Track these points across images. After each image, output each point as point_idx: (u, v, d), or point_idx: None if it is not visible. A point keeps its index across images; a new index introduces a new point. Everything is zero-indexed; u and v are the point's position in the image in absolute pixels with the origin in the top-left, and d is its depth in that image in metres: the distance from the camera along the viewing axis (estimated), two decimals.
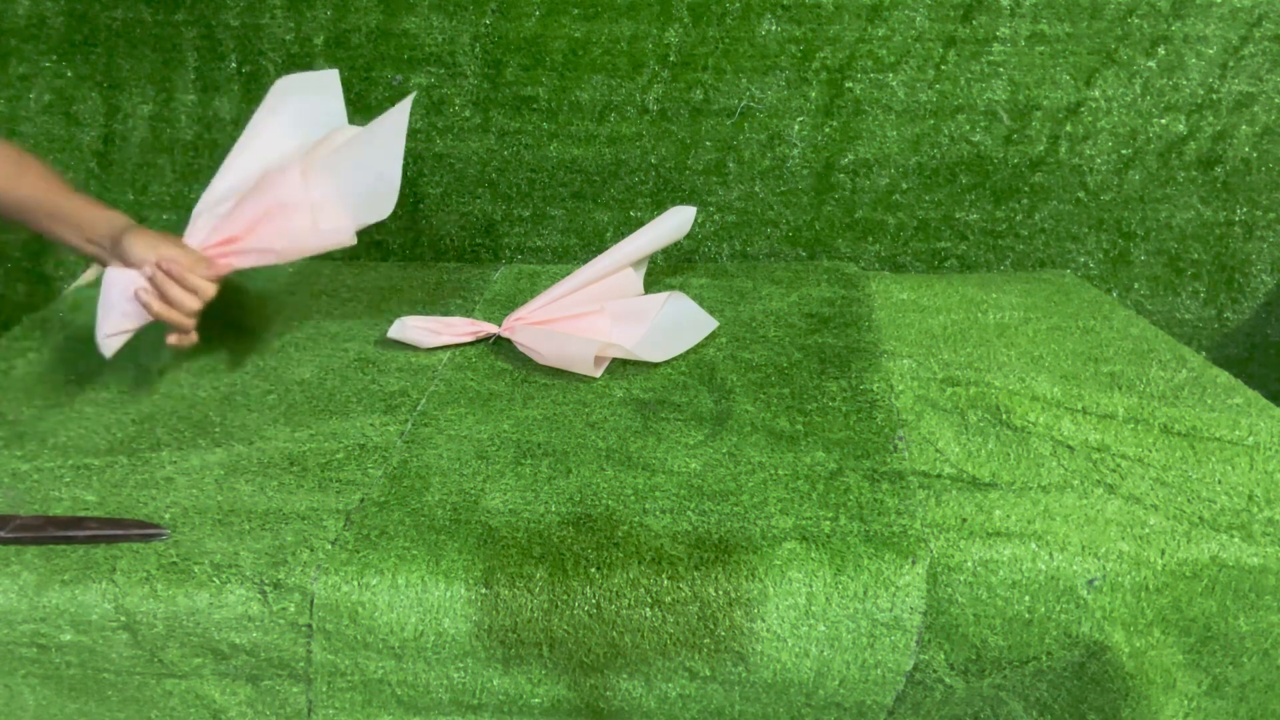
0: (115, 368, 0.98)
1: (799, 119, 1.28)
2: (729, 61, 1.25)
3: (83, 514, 0.75)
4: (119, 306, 0.86)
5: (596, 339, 0.97)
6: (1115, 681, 0.70)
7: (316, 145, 0.93)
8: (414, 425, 0.88)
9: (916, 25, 1.22)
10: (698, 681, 0.71)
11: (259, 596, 0.68)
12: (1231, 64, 1.22)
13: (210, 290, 0.86)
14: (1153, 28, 1.21)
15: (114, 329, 0.86)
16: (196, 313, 0.86)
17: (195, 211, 0.91)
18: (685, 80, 1.26)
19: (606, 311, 1.01)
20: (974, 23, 1.22)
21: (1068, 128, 1.27)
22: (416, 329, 1.02)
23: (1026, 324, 1.06)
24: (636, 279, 1.10)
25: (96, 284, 1.20)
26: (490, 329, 1.03)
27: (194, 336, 0.88)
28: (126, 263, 0.85)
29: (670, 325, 1.02)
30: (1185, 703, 0.72)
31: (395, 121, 0.91)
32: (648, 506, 0.75)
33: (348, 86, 1.25)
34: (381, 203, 0.89)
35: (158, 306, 0.84)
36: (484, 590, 0.68)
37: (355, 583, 0.69)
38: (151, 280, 0.84)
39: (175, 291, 0.84)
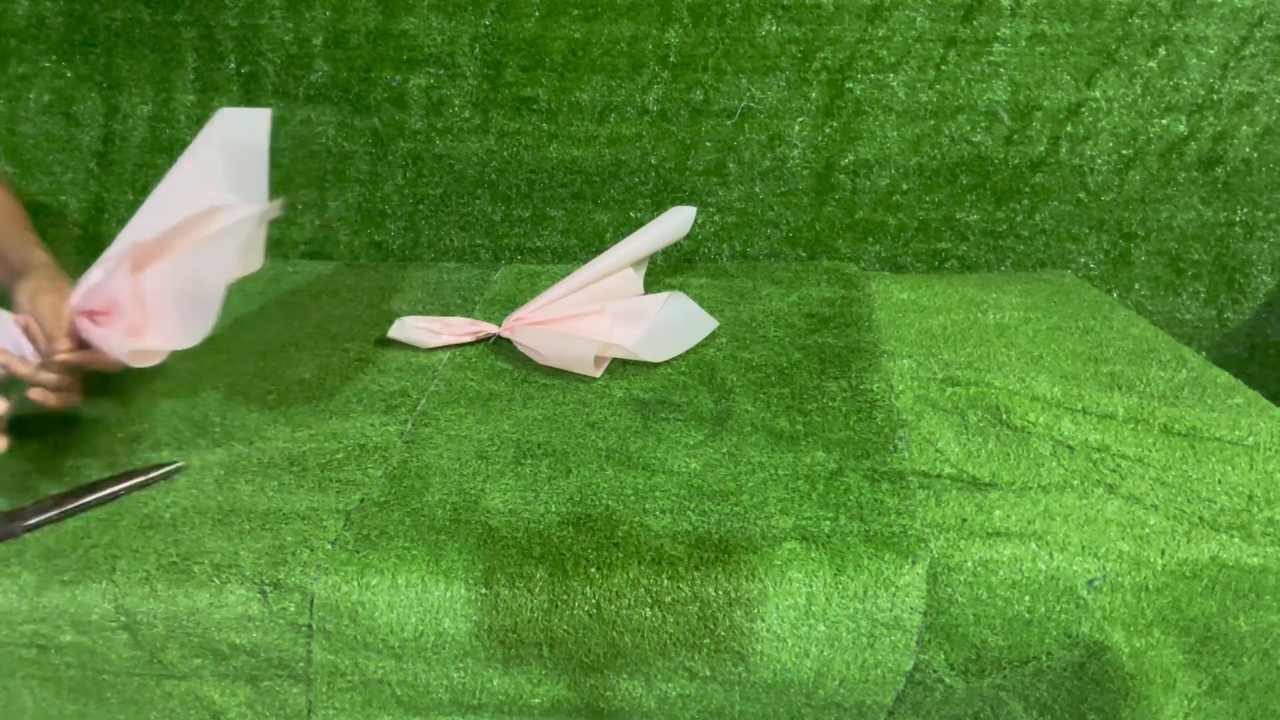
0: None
1: (799, 119, 1.27)
2: (729, 62, 1.25)
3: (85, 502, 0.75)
4: None
5: (596, 339, 0.97)
6: (1115, 681, 0.70)
7: (180, 225, 0.83)
8: (414, 425, 0.87)
9: (917, 25, 1.22)
10: (698, 681, 0.71)
11: (259, 596, 0.68)
12: (1232, 64, 1.22)
13: (61, 348, 0.77)
14: (1153, 28, 1.21)
15: None
16: (54, 379, 0.78)
17: (103, 255, 0.82)
18: (685, 80, 1.26)
19: (606, 311, 1.01)
20: (974, 23, 1.22)
21: (1068, 128, 1.27)
22: (416, 329, 1.02)
23: (1026, 324, 1.06)
24: (636, 279, 1.10)
25: None
26: (490, 329, 1.03)
27: (55, 399, 0.79)
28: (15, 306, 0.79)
29: (670, 325, 1.02)
30: (1185, 703, 0.72)
31: (239, 225, 0.79)
32: (648, 506, 0.75)
33: (345, 88, 1.26)
34: (196, 326, 0.77)
35: (11, 363, 0.77)
36: (484, 590, 0.68)
37: (355, 583, 0.69)
38: (25, 333, 0.78)
39: (37, 352, 0.78)
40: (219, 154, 0.87)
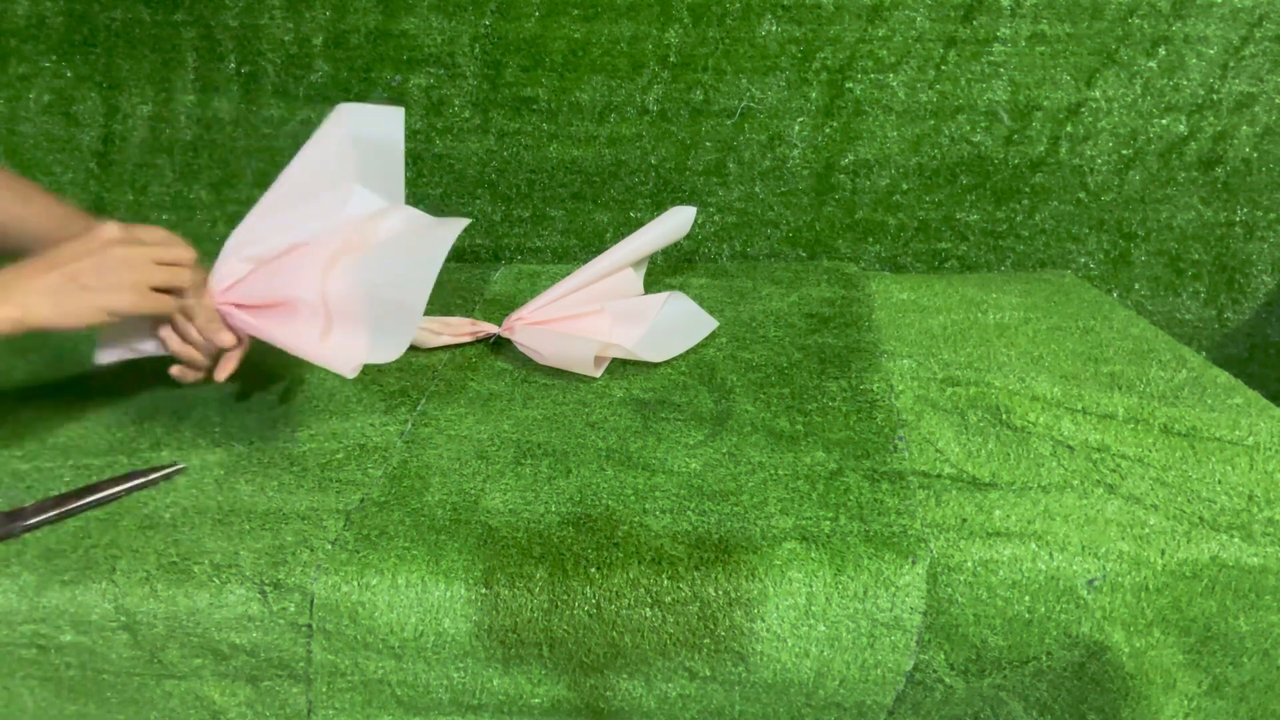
0: (115, 367, 0.98)
1: (799, 119, 1.27)
2: (729, 62, 1.25)
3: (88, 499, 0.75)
4: (128, 338, 0.85)
5: (596, 339, 0.97)
6: (1115, 681, 0.70)
7: (351, 229, 0.87)
8: (414, 425, 0.87)
9: (917, 25, 1.22)
10: (698, 681, 0.71)
11: (259, 596, 0.68)
12: (1232, 64, 1.22)
13: (229, 341, 0.83)
14: (1153, 28, 1.21)
15: (116, 356, 0.86)
16: (213, 355, 0.85)
17: (226, 247, 0.85)
18: (685, 80, 1.26)
19: (606, 311, 1.01)
20: (974, 23, 1.22)
21: (1068, 128, 1.27)
22: (417, 329, 1.02)
23: (1026, 324, 1.06)
24: (636, 279, 1.10)
25: None
26: (490, 329, 1.03)
27: (194, 377, 0.86)
28: None
29: (670, 325, 1.02)
30: (1185, 703, 0.72)
31: (438, 242, 0.82)
32: (648, 506, 0.75)
33: (345, 88, 1.26)
34: (395, 342, 0.81)
35: (177, 347, 0.83)
36: (484, 590, 0.68)
37: (355, 583, 0.69)
38: (172, 322, 0.83)
39: (196, 337, 0.83)
40: (349, 148, 0.88)
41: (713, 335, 1.04)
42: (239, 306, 0.83)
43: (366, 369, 0.98)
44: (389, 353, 0.81)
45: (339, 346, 0.82)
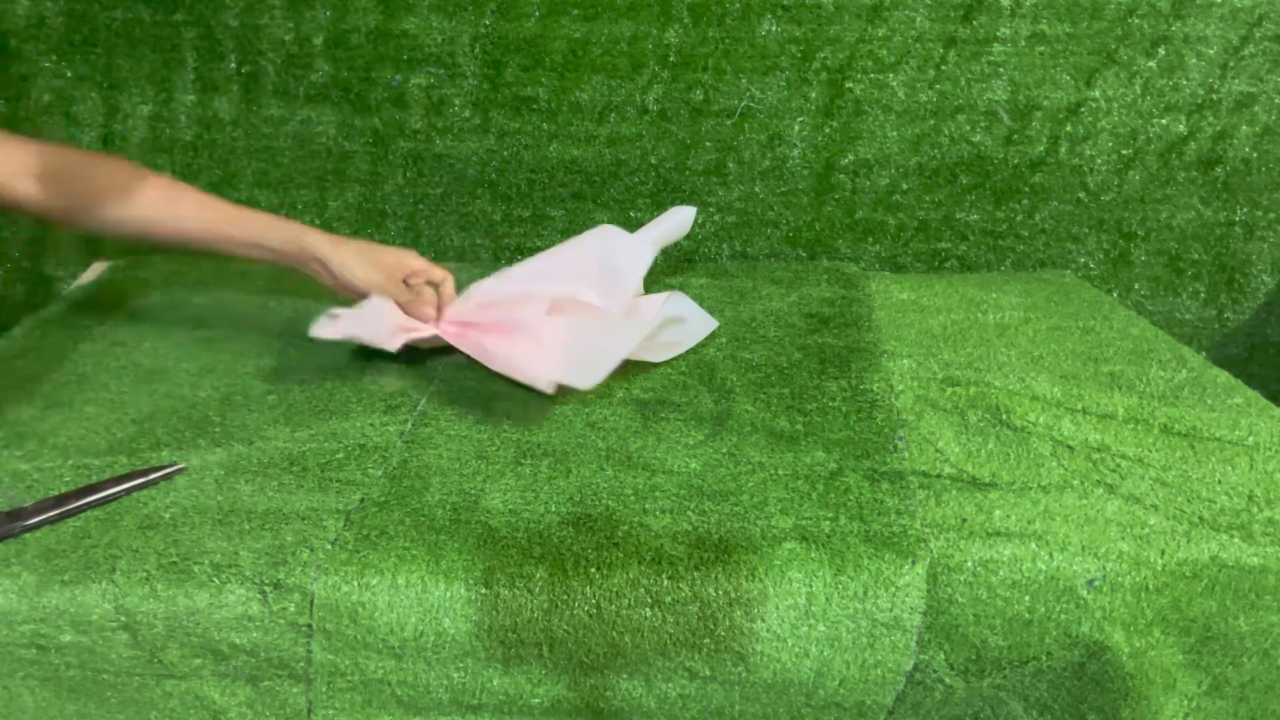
0: (115, 367, 0.98)
1: (799, 119, 1.27)
2: (729, 61, 1.25)
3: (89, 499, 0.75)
4: (360, 325, 0.94)
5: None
6: (1115, 681, 0.70)
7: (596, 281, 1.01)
8: (414, 425, 0.87)
9: (917, 25, 1.22)
10: (698, 681, 0.71)
11: (259, 596, 0.68)
12: (1232, 64, 1.22)
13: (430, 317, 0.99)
14: (1153, 28, 1.21)
15: (336, 334, 0.94)
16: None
17: (490, 281, 1.03)
18: (685, 80, 1.26)
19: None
20: (974, 23, 1.22)
21: (1068, 128, 1.27)
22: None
23: (1026, 324, 1.06)
24: (636, 279, 1.09)
25: (97, 283, 1.20)
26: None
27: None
28: (348, 279, 0.95)
29: (670, 325, 1.02)
30: (1185, 703, 0.72)
31: (650, 312, 0.99)
32: (648, 506, 0.75)
33: (345, 87, 1.26)
34: (589, 373, 0.88)
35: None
36: (484, 590, 0.68)
37: (355, 583, 0.69)
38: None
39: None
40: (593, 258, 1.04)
41: (713, 335, 1.04)
42: (463, 324, 0.98)
43: (367, 369, 0.98)
44: (583, 380, 0.88)
45: (537, 372, 0.88)
